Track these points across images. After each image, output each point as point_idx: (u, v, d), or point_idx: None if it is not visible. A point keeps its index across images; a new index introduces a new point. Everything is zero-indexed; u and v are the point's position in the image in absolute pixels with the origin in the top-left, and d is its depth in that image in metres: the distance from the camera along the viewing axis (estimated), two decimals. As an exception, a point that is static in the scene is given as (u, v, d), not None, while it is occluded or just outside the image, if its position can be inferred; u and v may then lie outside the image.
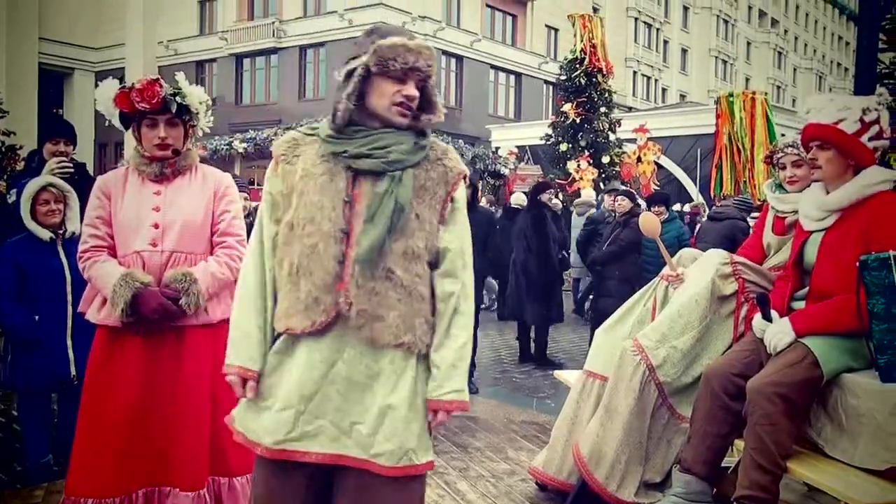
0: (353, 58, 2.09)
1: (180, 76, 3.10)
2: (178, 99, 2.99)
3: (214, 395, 3.01)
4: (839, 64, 75.12)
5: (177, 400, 3.00)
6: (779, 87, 62.97)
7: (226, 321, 2.89)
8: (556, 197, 8.12)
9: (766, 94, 9.37)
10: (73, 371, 4.06)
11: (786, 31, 66.69)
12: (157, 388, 3.00)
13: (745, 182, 8.59)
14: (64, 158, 4.61)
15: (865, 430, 2.76)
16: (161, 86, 2.96)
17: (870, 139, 3.00)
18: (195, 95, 3.07)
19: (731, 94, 9.23)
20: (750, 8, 62.21)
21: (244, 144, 13.42)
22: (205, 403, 3.01)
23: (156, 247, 3.02)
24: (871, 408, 2.75)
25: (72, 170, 4.56)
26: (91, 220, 3.10)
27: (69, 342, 4.06)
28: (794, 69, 67.43)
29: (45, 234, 4.02)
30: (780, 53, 64.52)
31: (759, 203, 7.33)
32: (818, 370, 2.83)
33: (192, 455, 2.98)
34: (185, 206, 3.06)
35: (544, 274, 7.88)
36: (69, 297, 4.06)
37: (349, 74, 2.07)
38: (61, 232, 4.11)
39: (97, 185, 3.14)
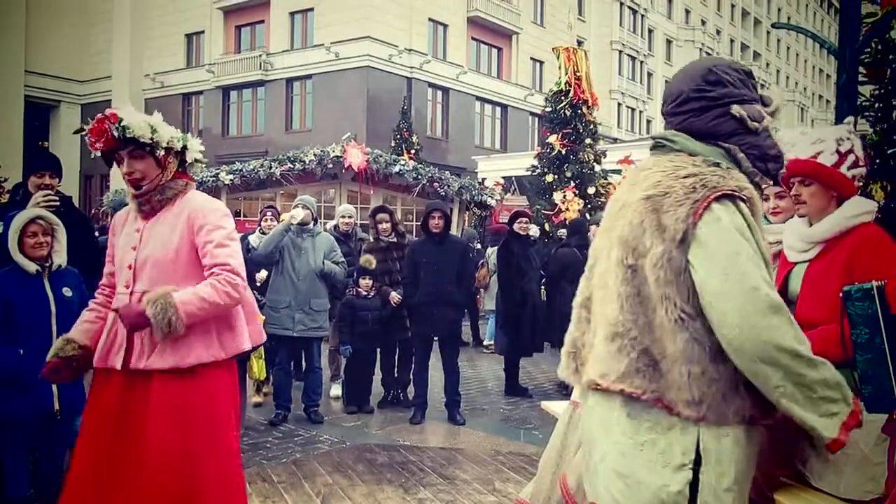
0: (745, 99, 2.09)
1: (156, 115, 3.02)
2: (125, 132, 2.86)
3: (187, 449, 2.81)
4: (821, 96, 76.18)
5: (140, 449, 2.81)
6: (761, 119, 63.60)
7: (202, 367, 2.83)
8: (529, 224, 8.10)
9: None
10: (56, 405, 4.03)
11: (768, 64, 67.68)
12: (124, 436, 2.85)
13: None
14: (49, 191, 4.61)
15: (850, 460, 2.75)
16: (111, 122, 2.87)
17: (848, 168, 3.03)
18: (141, 125, 2.88)
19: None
20: (732, 41, 63.16)
21: (231, 176, 13.37)
22: (170, 455, 2.80)
23: (127, 289, 2.95)
24: (855, 438, 2.75)
25: (57, 202, 4.56)
26: (107, 257, 3.15)
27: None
28: (776, 101, 68.18)
29: (32, 267, 4.01)
30: (762, 86, 64.19)
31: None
32: None
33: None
34: (157, 243, 2.94)
35: (509, 305, 7.90)
36: (54, 330, 4.03)
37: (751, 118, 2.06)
38: (48, 265, 4.09)
39: (112, 221, 3.16)
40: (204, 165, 3.20)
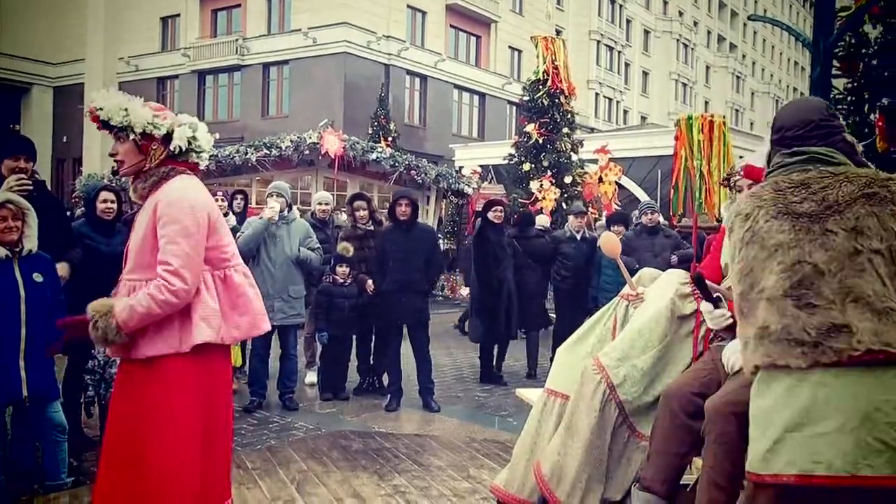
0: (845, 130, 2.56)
1: (136, 100, 2.96)
2: (99, 114, 2.87)
3: (139, 438, 2.82)
4: (795, 89, 76.83)
5: (107, 435, 2.92)
6: (737, 111, 64.21)
7: (162, 359, 2.81)
8: (503, 212, 8.11)
9: (724, 117, 9.54)
10: (24, 392, 3.99)
11: (744, 56, 68.14)
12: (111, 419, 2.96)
13: (701, 203, 8.72)
14: (23, 175, 4.55)
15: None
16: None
17: None
18: (112, 108, 2.86)
19: (690, 117, 9.38)
20: (709, 33, 63.50)
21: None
22: (120, 442, 2.84)
23: (122, 277, 2.98)
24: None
25: (31, 187, 4.51)
26: None
27: (21, 363, 3.98)
28: (752, 93, 68.84)
29: (1, 252, 3.96)
30: (738, 78, 65.83)
31: (716, 223, 7.47)
32: None
33: (102, 492, 2.86)
34: (136, 231, 2.93)
35: (484, 293, 7.93)
36: (23, 317, 3.99)
37: None
38: (18, 250, 4.04)
39: None
40: (198, 153, 3.07)
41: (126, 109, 2.86)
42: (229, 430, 3.12)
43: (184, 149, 2.97)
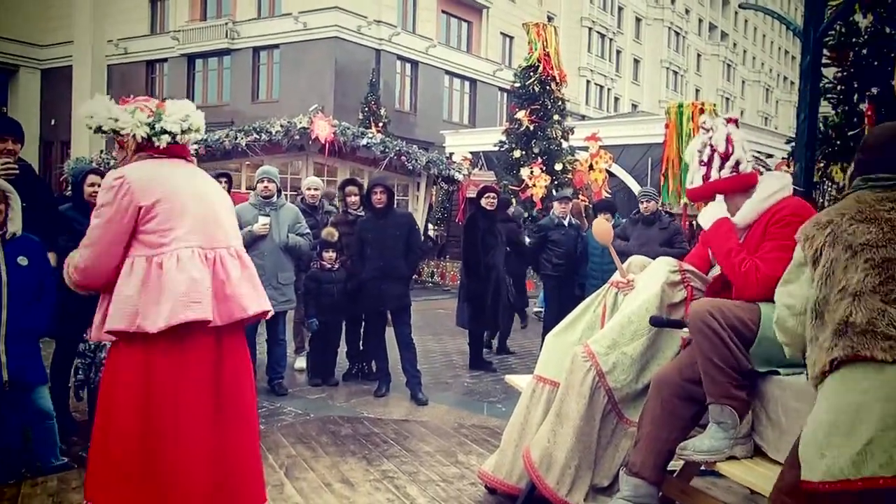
0: None
1: (122, 110, 3.00)
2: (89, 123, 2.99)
3: (103, 420, 2.86)
4: (785, 78, 77.00)
5: (97, 418, 2.96)
6: (728, 99, 64.29)
7: (119, 341, 2.83)
8: (496, 199, 8.12)
9: (714, 105, 9.57)
10: (4, 376, 3.96)
11: (735, 45, 68.15)
12: None
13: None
14: (9, 159, 4.50)
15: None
16: None
17: (718, 169, 3.35)
18: (102, 119, 2.97)
19: (680, 105, 9.40)
20: (700, 21, 63.44)
21: (195, 146, 13.18)
22: (97, 423, 2.90)
23: None
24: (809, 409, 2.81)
25: (17, 170, 4.46)
26: None
27: (1, 346, 3.95)
28: (743, 82, 68.91)
29: (-16, 235, 3.92)
30: (729, 66, 65.88)
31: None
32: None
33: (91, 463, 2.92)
34: None
35: (473, 279, 7.94)
36: (4, 300, 3.95)
37: None
38: (1, 233, 4.00)
39: None
40: (186, 134, 3.04)
41: (114, 118, 2.95)
42: (201, 425, 2.91)
43: (144, 136, 2.95)
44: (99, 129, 2.98)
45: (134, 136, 2.95)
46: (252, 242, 6.38)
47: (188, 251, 2.84)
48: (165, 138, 2.97)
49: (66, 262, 2.96)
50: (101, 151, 17.04)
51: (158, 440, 2.81)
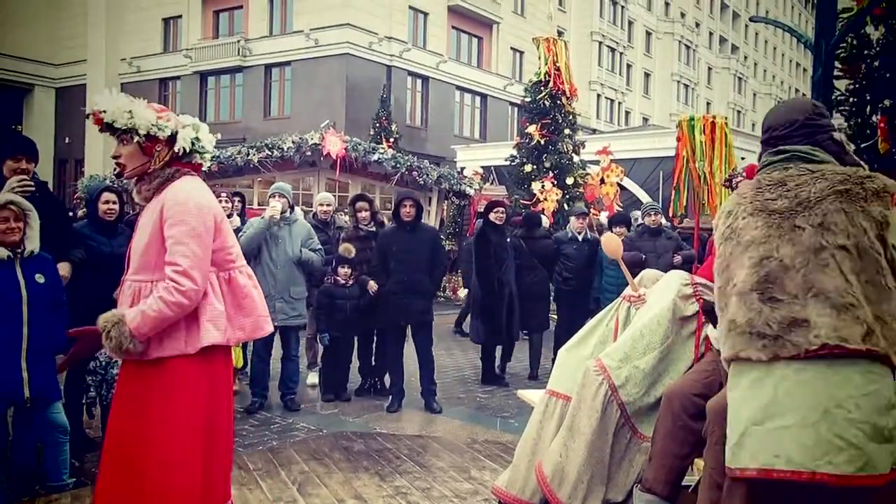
0: (834, 129, 2.58)
1: (139, 101, 2.95)
2: (102, 117, 2.86)
3: (140, 437, 2.80)
4: (797, 90, 76.80)
5: (108, 436, 2.90)
6: (739, 112, 64.19)
7: (167, 360, 2.79)
8: (505, 213, 8.09)
9: (725, 118, 9.54)
10: (26, 393, 3.99)
11: (746, 58, 68.12)
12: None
13: (703, 204, 8.72)
14: (25, 177, 4.56)
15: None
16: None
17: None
18: (116, 111, 2.85)
19: (692, 118, 9.39)
20: (711, 34, 63.47)
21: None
22: (121, 442, 2.83)
23: (125, 278, 2.95)
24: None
25: (33, 188, 4.51)
26: None
27: (23, 364, 3.98)
28: (754, 94, 68.81)
29: (3, 253, 3.96)
30: (740, 79, 65.82)
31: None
32: None
33: (103, 491, 2.85)
34: (141, 232, 2.90)
35: (486, 293, 7.92)
36: (25, 317, 3.99)
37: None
38: (20, 251, 4.04)
39: None
40: (202, 154, 3.06)
41: (130, 111, 2.85)
42: (230, 432, 3.11)
43: (188, 150, 2.97)
44: (110, 127, 2.87)
45: (172, 145, 2.93)
46: (259, 249, 6.48)
47: (247, 268, 3.07)
48: (207, 157, 3.08)
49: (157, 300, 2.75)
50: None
51: (213, 449, 2.93)
